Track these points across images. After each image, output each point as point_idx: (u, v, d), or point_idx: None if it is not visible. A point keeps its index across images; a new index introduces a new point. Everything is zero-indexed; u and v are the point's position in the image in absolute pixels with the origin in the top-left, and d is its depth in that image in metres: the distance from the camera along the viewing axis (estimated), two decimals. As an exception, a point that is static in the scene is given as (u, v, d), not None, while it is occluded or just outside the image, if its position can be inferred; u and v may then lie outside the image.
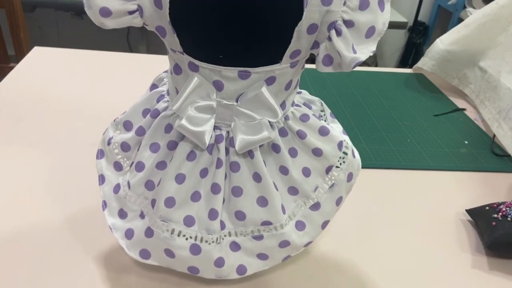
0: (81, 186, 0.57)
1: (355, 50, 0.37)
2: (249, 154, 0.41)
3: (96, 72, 0.90)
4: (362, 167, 0.65)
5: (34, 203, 0.54)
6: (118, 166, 0.45)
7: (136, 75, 0.89)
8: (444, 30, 2.64)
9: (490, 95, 0.85)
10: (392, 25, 2.05)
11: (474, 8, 2.12)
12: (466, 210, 0.59)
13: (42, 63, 0.91)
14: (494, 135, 0.78)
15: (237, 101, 0.39)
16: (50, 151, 0.64)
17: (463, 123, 0.84)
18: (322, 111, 0.47)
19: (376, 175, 0.66)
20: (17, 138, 0.66)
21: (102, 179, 0.46)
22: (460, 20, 2.15)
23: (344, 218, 0.56)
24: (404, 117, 0.83)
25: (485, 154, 0.74)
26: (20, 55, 1.39)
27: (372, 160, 0.69)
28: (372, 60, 2.50)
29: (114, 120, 0.47)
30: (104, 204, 0.45)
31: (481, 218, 0.56)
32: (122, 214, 0.44)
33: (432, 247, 0.54)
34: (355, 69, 0.41)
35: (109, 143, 0.46)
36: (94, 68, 0.91)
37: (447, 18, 2.34)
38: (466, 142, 0.77)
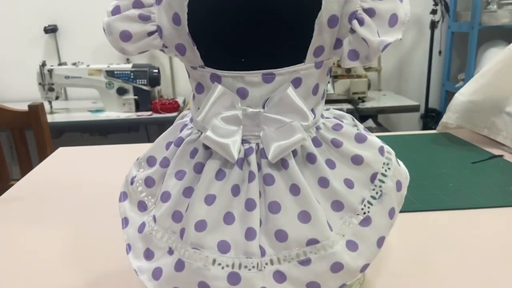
0: (106, 254, 0.53)
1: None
2: (283, 164, 0.37)
3: (115, 161, 0.90)
4: (407, 211, 0.60)
5: (62, 274, 0.50)
6: (142, 206, 0.42)
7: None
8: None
9: (526, 135, 0.81)
10: (405, 109, 2.08)
11: (482, 86, 2.16)
12: (538, 237, 0.51)
13: (65, 159, 0.92)
14: (543, 171, 0.72)
15: (263, 107, 0.37)
16: (73, 226, 0.61)
17: (504, 167, 0.79)
18: (354, 126, 0.44)
19: (424, 217, 0.60)
20: (40, 216, 0.64)
21: (125, 222, 0.42)
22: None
23: (402, 260, 0.49)
24: (440, 166, 0.78)
25: (539, 189, 0.68)
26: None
27: (417, 203, 0.63)
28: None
29: (137, 159, 0.44)
30: (128, 247, 0.40)
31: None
32: (149, 255, 0.39)
33: (505, 283, 0.46)
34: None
35: (132, 182, 0.43)
36: (113, 159, 0.92)
37: (458, 101, 2.38)
38: (514, 181, 0.71)
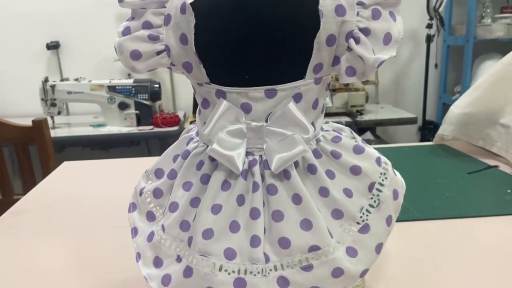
0: (113, 265, 0.54)
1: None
2: (285, 175, 0.39)
3: (119, 175, 0.91)
4: (406, 220, 0.62)
5: (70, 285, 0.51)
6: (151, 216, 0.44)
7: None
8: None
9: (520, 146, 0.83)
10: (403, 121, 2.11)
11: (479, 99, 2.20)
12: (531, 244, 0.53)
13: (70, 173, 0.94)
14: (537, 180, 0.74)
15: (266, 121, 0.39)
16: (81, 237, 0.62)
17: (499, 177, 0.81)
18: (353, 138, 0.46)
19: (422, 226, 0.62)
20: (47, 229, 0.65)
21: (134, 231, 0.44)
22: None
23: (401, 268, 0.51)
24: (437, 177, 0.81)
25: (533, 198, 0.70)
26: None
27: (415, 213, 0.65)
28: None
29: (146, 171, 0.46)
30: (138, 256, 0.42)
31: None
32: (158, 263, 0.40)
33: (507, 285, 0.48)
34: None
35: (141, 194, 0.45)
36: (118, 172, 0.94)
37: (455, 113, 2.41)
38: (509, 191, 0.73)
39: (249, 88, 0.38)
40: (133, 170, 0.94)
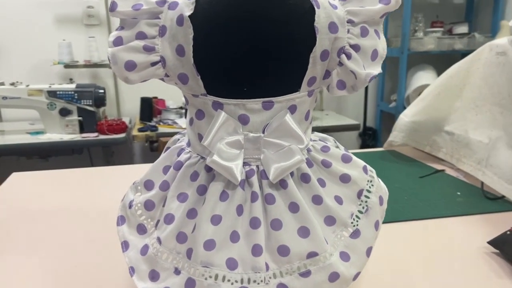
0: (84, 279, 0.52)
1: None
2: (282, 185, 0.40)
3: (70, 186, 0.88)
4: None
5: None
6: (141, 229, 0.43)
7: (112, 184, 0.88)
8: (389, 132, 2.88)
9: (465, 152, 0.90)
10: (347, 128, 2.20)
11: (413, 106, 2.35)
12: (488, 242, 0.58)
13: (22, 184, 0.88)
14: (482, 183, 0.81)
15: (263, 132, 0.40)
16: (40, 251, 0.59)
17: (448, 180, 0.88)
18: (337, 147, 0.48)
19: (387, 228, 0.65)
20: (8, 248, 0.61)
21: (125, 245, 0.42)
22: (404, 118, 2.35)
23: (370, 264, 0.53)
24: (393, 181, 0.86)
25: (480, 199, 0.76)
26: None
27: (380, 216, 0.69)
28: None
29: (134, 183, 0.45)
30: (132, 270, 0.41)
31: (506, 244, 0.56)
32: (154, 276, 0.40)
33: (469, 284, 0.52)
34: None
35: (130, 206, 0.44)
36: (72, 182, 0.90)
37: (391, 121, 2.56)
38: (459, 193, 0.79)
39: (247, 100, 0.39)
40: (87, 180, 0.91)
